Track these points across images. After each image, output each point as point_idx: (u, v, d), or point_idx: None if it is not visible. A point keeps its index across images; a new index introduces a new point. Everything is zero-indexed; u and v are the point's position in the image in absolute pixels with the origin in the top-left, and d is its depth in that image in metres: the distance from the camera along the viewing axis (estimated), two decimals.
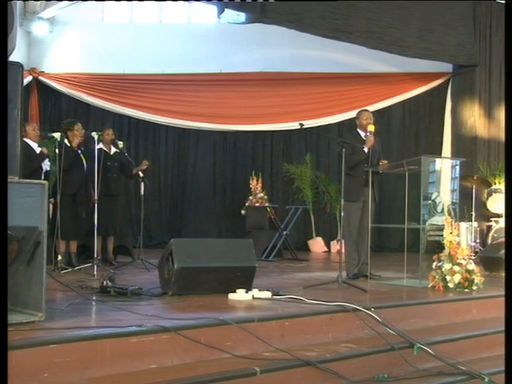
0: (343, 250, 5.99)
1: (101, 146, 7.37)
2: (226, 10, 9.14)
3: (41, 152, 6.80)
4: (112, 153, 7.68)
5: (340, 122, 11.26)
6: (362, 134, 6.36)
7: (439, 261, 5.52)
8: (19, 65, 3.50)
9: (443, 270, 5.43)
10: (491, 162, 10.60)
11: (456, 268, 5.39)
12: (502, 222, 9.29)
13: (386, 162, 6.25)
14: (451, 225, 5.56)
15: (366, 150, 6.18)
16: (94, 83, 11.43)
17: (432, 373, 3.80)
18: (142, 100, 11.44)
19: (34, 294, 3.38)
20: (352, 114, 8.03)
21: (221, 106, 11.49)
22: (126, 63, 11.47)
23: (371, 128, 6.23)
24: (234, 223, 11.42)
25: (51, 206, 6.73)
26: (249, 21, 9.24)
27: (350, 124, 8.44)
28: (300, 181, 11.41)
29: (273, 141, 12.08)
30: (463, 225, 8.38)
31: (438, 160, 6.87)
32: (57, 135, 6.62)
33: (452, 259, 5.45)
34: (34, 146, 6.81)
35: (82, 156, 7.03)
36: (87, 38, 11.70)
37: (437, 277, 5.46)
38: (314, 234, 11.56)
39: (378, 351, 3.86)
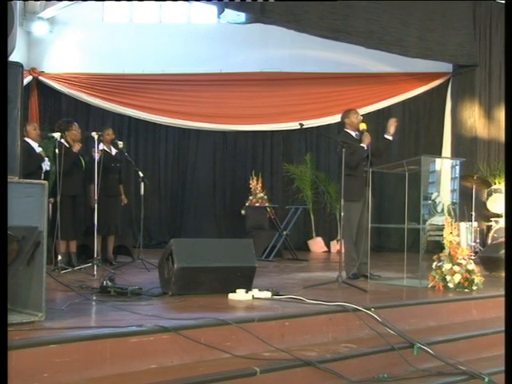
0: (343, 250, 5.98)
1: (102, 146, 7.38)
2: (226, 10, 9.14)
3: (39, 153, 6.78)
4: (114, 153, 7.68)
5: (340, 122, 11.25)
6: (353, 133, 6.36)
7: (439, 261, 5.52)
8: (19, 65, 3.49)
9: (443, 270, 5.43)
10: (491, 162, 10.61)
11: (456, 268, 5.39)
12: (501, 222, 9.30)
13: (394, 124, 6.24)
14: (451, 225, 5.56)
15: (365, 147, 6.17)
16: (94, 83, 11.42)
17: (432, 373, 3.80)
18: (142, 100, 11.44)
19: (34, 294, 3.38)
20: None
21: (221, 106, 11.49)
22: (125, 63, 11.47)
23: (364, 126, 6.23)
24: (234, 223, 11.41)
25: (51, 206, 6.72)
26: (249, 21, 9.23)
27: (338, 127, 8.42)
28: (300, 181, 11.41)
29: (273, 141, 12.08)
30: (463, 225, 8.43)
31: (438, 160, 6.89)
32: (57, 135, 6.62)
33: (452, 259, 5.45)
34: (35, 145, 6.80)
35: (81, 157, 7.04)
36: (87, 38, 11.69)
37: (437, 277, 5.46)
38: (313, 234, 11.56)
39: (377, 351, 3.86)
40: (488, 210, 10.03)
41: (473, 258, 5.72)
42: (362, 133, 6.22)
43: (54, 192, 6.49)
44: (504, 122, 6.21)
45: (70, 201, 6.81)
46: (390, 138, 6.27)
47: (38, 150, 6.80)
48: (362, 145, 6.16)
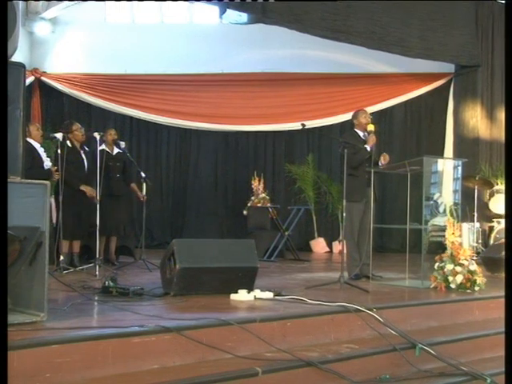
0: (345, 251, 5.98)
1: (103, 146, 7.37)
2: (228, 11, 9.15)
3: (49, 169, 6.64)
4: (114, 153, 7.68)
5: (342, 123, 11.22)
6: (361, 133, 6.36)
7: (441, 261, 5.52)
8: (21, 65, 3.49)
9: (445, 270, 5.43)
10: (493, 162, 10.59)
11: (458, 268, 5.38)
12: (503, 223, 9.29)
13: (387, 158, 6.23)
14: (453, 225, 5.56)
15: (368, 148, 6.18)
16: (95, 83, 11.43)
17: (434, 373, 3.80)
18: (144, 100, 11.44)
19: (36, 295, 3.38)
20: None
21: (222, 106, 11.49)
22: (127, 63, 11.47)
23: (371, 127, 6.23)
24: (236, 223, 11.40)
25: (53, 206, 6.71)
26: (250, 21, 9.25)
27: (341, 127, 8.40)
28: (302, 181, 11.41)
29: (275, 141, 12.07)
30: (465, 225, 8.42)
31: (440, 161, 6.86)
32: (59, 135, 6.60)
33: (454, 260, 5.44)
34: (37, 145, 6.77)
35: (84, 156, 7.05)
36: (89, 38, 11.70)
37: (439, 277, 5.46)
38: (315, 235, 11.55)
39: (379, 352, 3.86)
40: (490, 210, 10.03)
41: (475, 258, 5.72)
42: (368, 134, 6.23)
43: (56, 192, 6.49)
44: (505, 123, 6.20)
45: (72, 200, 6.80)
46: (368, 148, 6.25)
47: (47, 160, 6.77)
48: (365, 146, 6.17)
